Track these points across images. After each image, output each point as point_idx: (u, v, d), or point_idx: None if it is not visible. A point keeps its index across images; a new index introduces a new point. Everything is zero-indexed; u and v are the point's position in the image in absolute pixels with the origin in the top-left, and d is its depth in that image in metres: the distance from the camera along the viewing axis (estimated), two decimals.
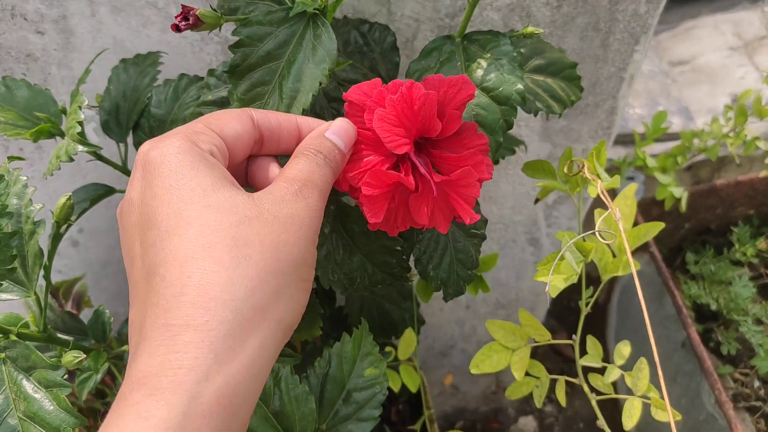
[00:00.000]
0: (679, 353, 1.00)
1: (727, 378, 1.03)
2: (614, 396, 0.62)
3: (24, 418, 0.46)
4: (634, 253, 1.13)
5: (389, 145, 0.44)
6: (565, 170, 0.61)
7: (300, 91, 0.47)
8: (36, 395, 0.47)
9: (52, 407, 0.46)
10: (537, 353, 0.62)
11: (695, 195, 1.15)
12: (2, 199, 0.42)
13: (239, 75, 0.48)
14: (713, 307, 1.08)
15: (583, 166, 0.59)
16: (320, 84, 0.47)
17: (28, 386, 0.48)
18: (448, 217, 0.49)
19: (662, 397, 0.55)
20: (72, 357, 0.51)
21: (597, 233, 0.53)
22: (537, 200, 0.68)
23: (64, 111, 0.58)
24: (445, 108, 0.46)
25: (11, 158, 0.57)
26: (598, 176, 0.57)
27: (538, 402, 0.64)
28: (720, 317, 1.09)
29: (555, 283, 0.52)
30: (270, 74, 0.48)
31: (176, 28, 0.44)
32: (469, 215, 0.48)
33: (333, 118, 0.52)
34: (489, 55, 0.51)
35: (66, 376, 0.49)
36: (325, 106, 0.54)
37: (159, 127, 0.60)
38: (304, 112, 0.47)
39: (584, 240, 0.54)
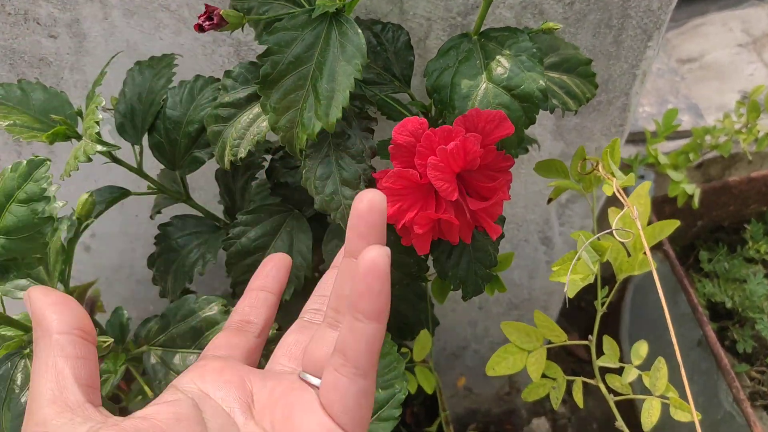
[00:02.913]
0: (695, 352, 1.00)
1: (744, 376, 1.02)
2: (632, 397, 0.61)
3: None
4: None
5: (443, 193, 0.49)
6: (579, 169, 0.61)
7: (336, 91, 0.47)
8: None
9: None
10: (549, 354, 0.62)
11: (708, 192, 1.14)
12: (41, 183, 0.42)
13: (270, 84, 0.48)
14: (728, 305, 1.07)
15: (597, 164, 0.59)
16: (355, 80, 0.47)
17: None
18: (472, 228, 0.54)
19: (682, 396, 0.55)
20: (101, 341, 0.50)
21: (614, 232, 0.53)
22: (550, 200, 0.67)
23: (79, 113, 0.58)
24: (483, 143, 0.48)
25: (40, 158, 0.57)
26: (613, 174, 0.56)
27: (555, 404, 0.63)
28: (735, 315, 1.09)
29: (572, 283, 0.52)
30: (302, 79, 0.48)
31: (199, 28, 0.44)
32: (496, 231, 0.54)
33: (356, 116, 0.52)
34: (508, 51, 0.51)
35: None
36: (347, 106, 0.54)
37: (174, 128, 0.59)
38: (344, 111, 0.47)
39: (599, 239, 0.54)
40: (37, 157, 0.43)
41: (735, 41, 1.61)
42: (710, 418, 0.96)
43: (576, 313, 1.49)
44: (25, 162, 0.43)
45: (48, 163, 0.43)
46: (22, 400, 0.48)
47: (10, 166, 0.44)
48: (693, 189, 1.04)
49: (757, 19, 1.63)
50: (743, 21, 1.65)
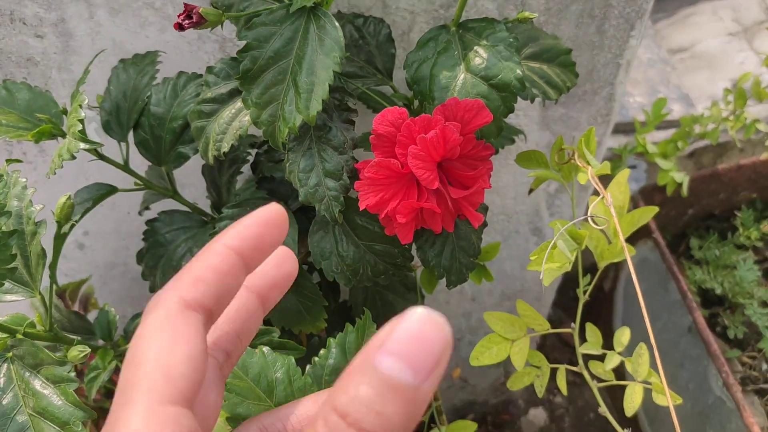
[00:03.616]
0: (686, 338, 1.00)
1: (735, 362, 1.03)
2: (616, 383, 0.62)
3: (34, 414, 0.47)
4: (636, 239, 1.13)
5: (424, 182, 0.50)
6: (556, 159, 0.61)
7: (316, 84, 0.48)
8: (44, 391, 0.47)
9: (60, 402, 0.47)
10: (545, 345, 0.62)
11: (698, 180, 1.15)
12: (0, 198, 0.43)
13: (251, 80, 0.49)
14: (718, 291, 1.08)
15: (574, 153, 0.59)
16: (334, 72, 0.48)
17: (36, 383, 0.48)
18: (454, 217, 0.55)
19: (669, 382, 0.55)
20: (77, 352, 0.51)
21: (590, 219, 0.54)
22: (531, 190, 0.68)
23: (65, 112, 0.58)
24: (463, 132, 0.49)
25: (9, 161, 0.57)
26: (588, 163, 0.57)
27: (539, 392, 0.64)
28: (726, 301, 1.09)
29: (548, 271, 0.53)
30: (282, 73, 0.49)
31: (179, 27, 0.45)
32: (478, 220, 0.54)
33: (336, 109, 0.52)
34: (486, 42, 0.52)
35: (74, 373, 0.50)
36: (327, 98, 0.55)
37: (159, 125, 0.60)
38: (324, 104, 0.48)
39: (578, 227, 0.54)
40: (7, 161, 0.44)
41: (725, 30, 1.61)
42: (701, 404, 0.97)
43: (571, 303, 1.50)
44: None
45: (4, 177, 0.43)
46: (4, 402, 0.48)
47: None
48: (682, 177, 1.05)
49: (747, 8, 1.64)
50: (733, 10, 1.65)
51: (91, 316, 0.77)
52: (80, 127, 0.51)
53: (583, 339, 0.63)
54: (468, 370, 1.30)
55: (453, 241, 0.59)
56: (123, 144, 0.62)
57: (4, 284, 0.44)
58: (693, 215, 1.22)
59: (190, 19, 0.46)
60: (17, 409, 0.47)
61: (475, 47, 0.53)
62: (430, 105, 0.53)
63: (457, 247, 0.60)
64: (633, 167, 1.25)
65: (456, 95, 0.52)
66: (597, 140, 0.90)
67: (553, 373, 0.65)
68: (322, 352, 0.58)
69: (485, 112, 0.50)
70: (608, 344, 0.63)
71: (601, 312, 1.28)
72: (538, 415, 1.43)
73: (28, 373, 0.48)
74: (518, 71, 0.51)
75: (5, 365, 0.49)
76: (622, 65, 0.81)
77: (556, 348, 1.49)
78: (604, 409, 0.59)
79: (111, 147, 0.66)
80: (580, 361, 0.61)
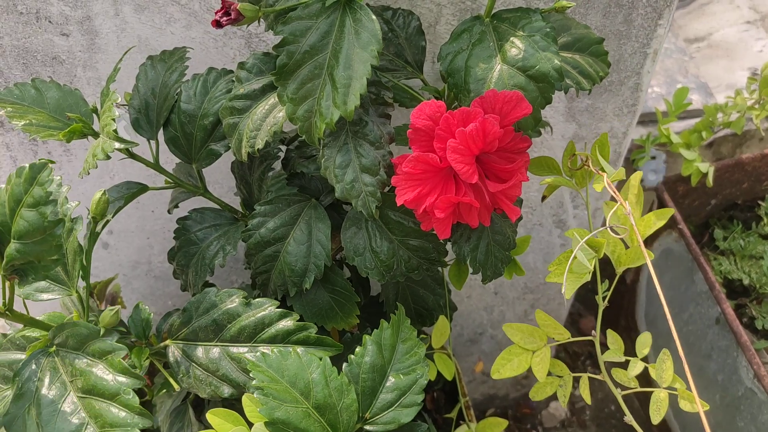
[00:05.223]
0: (714, 330, 0.99)
1: (764, 353, 1.02)
2: (639, 389, 0.61)
3: (83, 395, 0.48)
4: (660, 231, 1.12)
5: (463, 176, 0.49)
6: (569, 165, 0.60)
7: (353, 78, 0.47)
8: (92, 369, 0.48)
9: (109, 376, 0.48)
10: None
11: (721, 170, 1.14)
12: (46, 186, 0.42)
13: (287, 75, 0.48)
14: (745, 282, 1.07)
15: (587, 159, 0.58)
16: (372, 66, 0.47)
17: (82, 363, 0.49)
18: (491, 211, 0.54)
19: (689, 388, 0.54)
20: (109, 312, 0.51)
21: (609, 230, 0.53)
22: (544, 197, 0.67)
23: (95, 110, 0.58)
24: (501, 124, 0.48)
25: (42, 161, 0.57)
26: (602, 170, 0.56)
27: (563, 402, 0.63)
28: (752, 292, 1.08)
29: (569, 282, 0.52)
30: (318, 68, 0.48)
31: (217, 24, 0.45)
32: (515, 213, 0.54)
33: (372, 103, 0.52)
34: (521, 32, 0.51)
35: (117, 339, 0.50)
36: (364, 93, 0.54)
37: (190, 122, 0.60)
38: (361, 98, 0.47)
39: (596, 236, 0.53)
40: (40, 159, 0.44)
41: (742, 18, 1.60)
42: (730, 395, 0.96)
43: (591, 297, 1.49)
44: (28, 166, 0.44)
45: (50, 165, 0.43)
46: (50, 395, 0.49)
47: (15, 171, 0.44)
48: (707, 167, 1.04)
49: None
50: None
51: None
52: (114, 126, 0.51)
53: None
54: (489, 365, 1.29)
55: (488, 235, 0.59)
56: (153, 142, 0.61)
57: (46, 279, 0.44)
58: (716, 205, 1.21)
59: (228, 15, 0.45)
60: (65, 395, 0.48)
61: (511, 38, 0.52)
62: (465, 97, 0.52)
63: (493, 242, 0.59)
64: (653, 158, 1.24)
65: (492, 87, 0.51)
66: (623, 131, 0.89)
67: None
68: (358, 349, 0.58)
69: (524, 103, 0.49)
70: (633, 340, 0.62)
71: (623, 303, 1.27)
72: (558, 408, 1.42)
73: (72, 356, 0.49)
74: (556, 61, 0.50)
75: (49, 360, 0.49)
76: (649, 55, 0.80)
77: (573, 342, 1.48)
78: (630, 419, 0.57)
79: (138, 145, 0.65)
80: (603, 370, 0.60)
